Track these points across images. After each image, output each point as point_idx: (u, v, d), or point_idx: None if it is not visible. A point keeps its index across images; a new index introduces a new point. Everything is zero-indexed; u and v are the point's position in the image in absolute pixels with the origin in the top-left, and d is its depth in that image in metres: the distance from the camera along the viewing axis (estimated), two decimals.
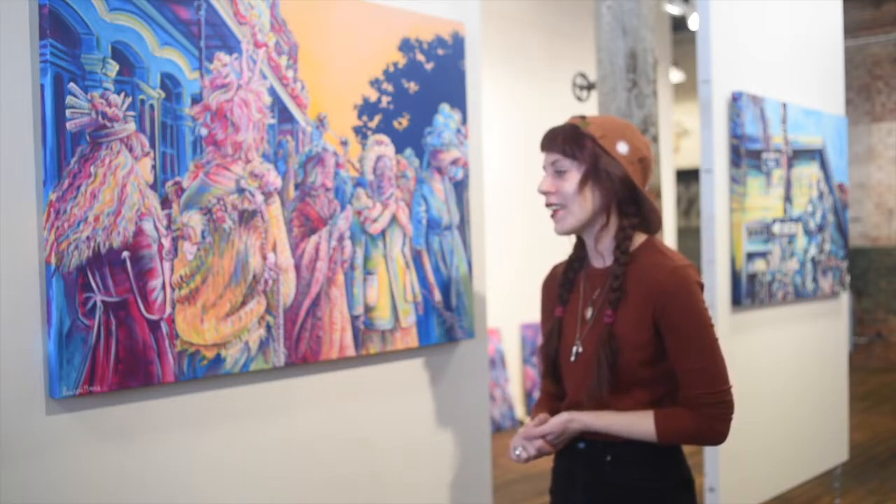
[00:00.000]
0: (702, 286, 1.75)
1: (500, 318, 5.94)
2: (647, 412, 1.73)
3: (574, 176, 1.76)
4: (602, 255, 1.81)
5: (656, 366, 1.74)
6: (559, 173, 1.78)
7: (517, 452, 1.79)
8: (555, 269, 1.97)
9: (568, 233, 1.80)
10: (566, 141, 1.77)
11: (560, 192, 1.77)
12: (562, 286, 1.88)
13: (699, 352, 1.70)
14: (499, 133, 6.07)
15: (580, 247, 1.88)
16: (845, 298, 3.94)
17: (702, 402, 1.70)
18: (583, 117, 1.81)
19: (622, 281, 1.75)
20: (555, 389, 1.92)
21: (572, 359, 1.81)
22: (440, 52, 2.31)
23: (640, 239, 1.80)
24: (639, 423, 1.72)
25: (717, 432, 1.71)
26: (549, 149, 1.80)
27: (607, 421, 1.74)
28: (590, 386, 1.74)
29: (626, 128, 1.80)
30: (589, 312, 1.81)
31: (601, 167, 1.75)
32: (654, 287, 1.71)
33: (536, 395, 6.25)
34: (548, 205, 1.80)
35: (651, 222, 1.81)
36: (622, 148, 1.76)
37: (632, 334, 1.72)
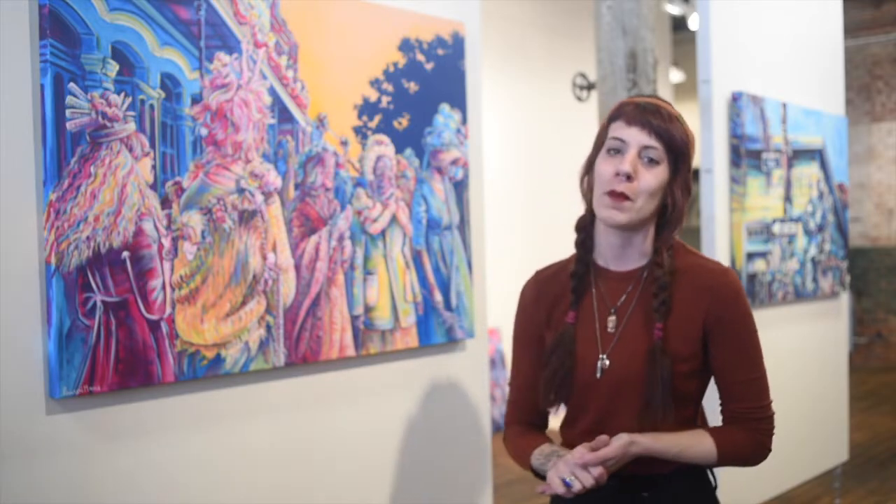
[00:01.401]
0: None
1: (500, 318, 5.92)
2: (699, 431, 1.56)
3: (663, 172, 1.53)
4: (628, 257, 1.60)
5: (700, 378, 1.58)
6: (648, 162, 1.52)
7: (568, 482, 1.45)
8: (541, 273, 1.73)
9: (625, 227, 1.55)
10: (682, 142, 1.54)
11: (641, 184, 1.51)
12: (575, 290, 1.62)
13: (752, 362, 1.55)
14: (499, 133, 6.06)
15: (586, 242, 1.64)
16: (845, 298, 3.94)
17: (751, 417, 1.55)
18: (670, 103, 1.59)
19: (671, 291, 1.54)
20: (539, 420, 1.68)
21: (598, 375, 1.56)
22: (440, 52, 2.31)
23: None
24: (697, 445, 1.53)
25: (765, 449, 1.57)
26: (647, 127, 1.52)
27: (667, 443, 1.51)
28: (647, 410, 1.52)
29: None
30: (612, 322, 1.58)
31: (686, 174, 1.57)
32: (707, 292, 1.54)
33: None
34: (617, 192, 1.51)
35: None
36: (693, 157, 1.60)
37: (680, 346, 1.53)
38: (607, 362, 1.56)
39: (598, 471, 1.46)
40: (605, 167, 1.54)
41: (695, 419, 1.60)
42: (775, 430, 1.60)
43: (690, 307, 1.54)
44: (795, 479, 3.52)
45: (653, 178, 1.52)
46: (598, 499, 1.54)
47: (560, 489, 1.46)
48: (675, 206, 1.57)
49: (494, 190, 5.60)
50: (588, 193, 1.61)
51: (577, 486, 1.45)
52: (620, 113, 1.56)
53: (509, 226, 6.07)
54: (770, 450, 1.58)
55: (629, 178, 1.51)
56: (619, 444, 1.48)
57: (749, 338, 1.56)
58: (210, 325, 1.80)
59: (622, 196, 1.51)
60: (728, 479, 3.01)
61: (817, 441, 3.69)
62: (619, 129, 1.54)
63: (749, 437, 1.55)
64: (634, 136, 1.52)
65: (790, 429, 3.46)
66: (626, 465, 1.52)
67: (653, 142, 1.51)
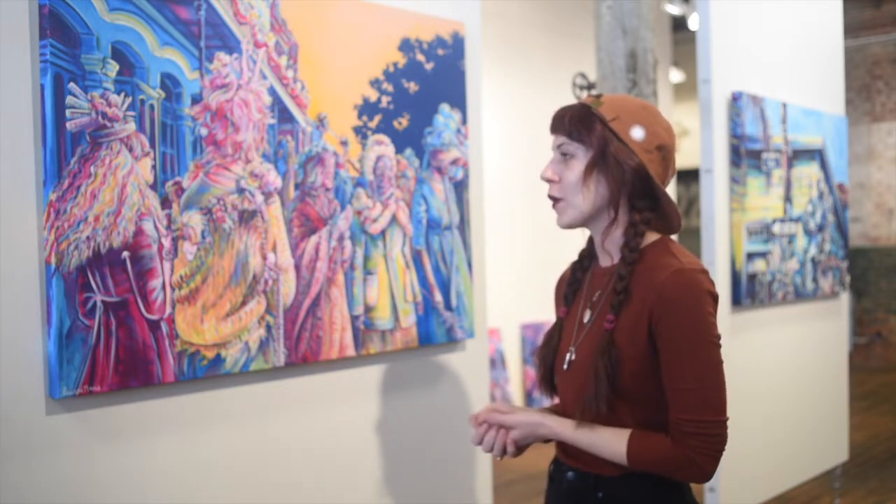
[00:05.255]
0: (715, 297, 1.50)
1: (500, 318, 5.94)
2: (624, 430, 1.51)
3: (579, 163, 1.56)
4: (609, 253, 1.61)
5: (654, 382, 1.50)
6: (565, 158, 1.58)
7: (482, 446, 1.60)
8: (567, 269, 1.77)
9: (569, 227, 1.60)
10: (573, 122, 1.56)
11: (563, 181, 1.57)
12: (569, 285, 1.68)
13: (693, 370, 1.45)
14: (499, 133, 6.07)
15: (592, 242, 1.68)
16: (845, 298, 3.94)
17: (686, 431, 1.45)
18: (598, 96, 1.60)
19: (627, 282, 1.53)
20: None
21: (565, 367, 1.61)
22: (440, 52, 2.31)
23: (651, 238, 1.58)
24: (609, 442, 1.51)
25: (697, 468, 1.46)
26: (555, 130, 1.59)
27: (577, 433, 1.54)
28: (585, 400, 1.52)
29: (644, 110, 1.57)
30: (587, 316, 1.61)
31: (610, 154, 1.53)
32: (653, 290, 1.48)
33: (537, 395, 6.25)
34: (549, 196, 1.60)
35: (670, 220, 1.60)
36: (637, 133, 1.54)
37: (628, 344, 1.50)
38: (574, 355, 1.60)
39: (502, 439, 1.59)
40: None
41: (655, 425, 1.52)
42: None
43: (640, 306, 1.50)
44: (795, 479, 3.52)
45: (568, 172, 1.57)
46: (559, 492, 1.64)
47: (474, 440, 1.62)
48: (611, 187, 1.54)
49: (494, 190, 5.61)
50: None
51: (485, 449, 1.60)
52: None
53: (509, 226, 6.07)
54: (706, 471, 1.46)
55: (551, 181, 1.59)
56: (528, 420, 1.58)
57: (695, 345, 1.45)
58: (210, 325, 1.80)
59: (553, 199, 1.60)
60: (728, 479, 3.01)
61: (817, 441, 3.69)
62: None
63: (675, 449, 1.46)
64: (552, 141, 1.61)
65: (790, 429, 3.46)
66: (582, 460, 1.58)
67: (561, 139, 1.58)
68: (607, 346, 1.51)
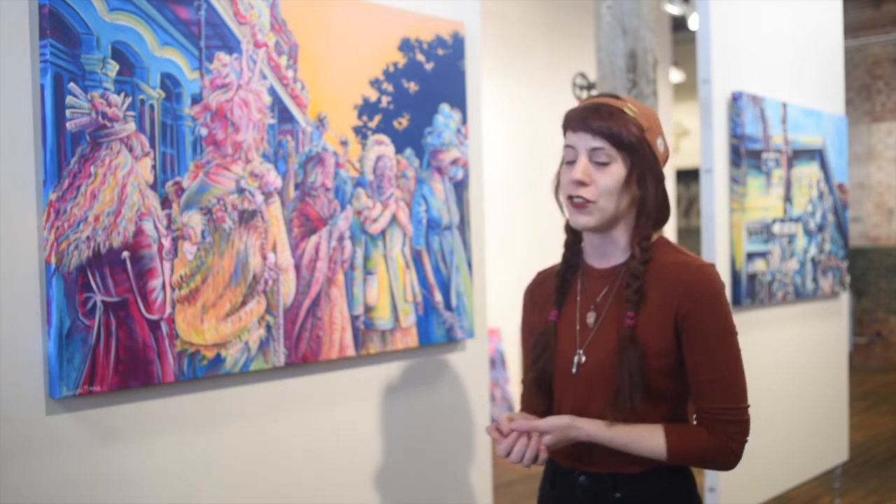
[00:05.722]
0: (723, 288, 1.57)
1: (500, 318, 5.94)
2: (656, 426, 1.52)
3: (619, 169, 1.53)
4: (609, 255, 1.61)
5: (678, 378, 1.54)
6: (600, 163, 1.54)
7: (511, 456, 1.51)
8: (539, 275, 1.76)
9: (592, 229, 1.57)
10: (618, 127, 1.52)
11: (598, 186, 1.53)
12: (558, 288, 1.66)
13: (721, 361, 1.51)
14: (499, 133, 6.07)
15: (574, 244, 1.68)
16: (845, 298, 3.94)
17: (717, 419, 1.50)
18: (622, 98, 1.59)
19: (643, 281, 1.54)
20: (541, 406, 1.67)
21: (574, 370, 1.58)
22: (440, 52, 2.31)
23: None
24: (647, 438, 1.50)
25: (732, 453, 1.51)
26: (589, 130, 1.54)
27: (612, 433, 1.51)
28: (617, 398, 1.50)
29: (658, 121, 1.62)
30: (591, 317, 1.60)
31: (648, 163, 1.55)
32: (679, 286, 1.52)
33: None
34: (576, 196, 1.55)
35: (662, 219, 1.64)
36: (661, 145, 1.58)
37: (652, 340, 1.52)
38: (583, 358, 1.58)
39: (535, 444, 1.50)
40: (564, 177, 1.59)
41: (678, 419, 1.56)
42: (750, 436, 1.54)
43: (663, 302, 1.52)
44: (795, 479, 3.52)
45: (607, 178, 1.54)
46: (570, 498, 1.60)
47: (501, 452, 1.52)
48: (644, 198, 1.57)
49: (494, 190, 5.61)
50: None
51: (515, 458, 1.50)
52: (568, 121, 1.59)
53: (509, 226, 6.07)
54: (739, 455, 1.51)
55: (583, 183, 1.54)
56: (559, 423, 1.51)
57: (720, 336, 1.51)
58: (210, 325, 1.80)
59: (582, 201, 1.55)
60: (728, 479, 3.01)
61: (817, 441, 3.69)
62: (569, 138, 1.58)
63: (712, 438, 1.50)
64: (581, 142, 1.55)
65: (790, 429, 3.46)
66: (597, 463, 1.56)
67: (597, 143, 1.53)
68: (632, 342, 1.51)
